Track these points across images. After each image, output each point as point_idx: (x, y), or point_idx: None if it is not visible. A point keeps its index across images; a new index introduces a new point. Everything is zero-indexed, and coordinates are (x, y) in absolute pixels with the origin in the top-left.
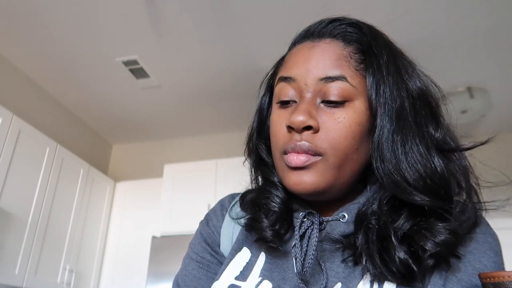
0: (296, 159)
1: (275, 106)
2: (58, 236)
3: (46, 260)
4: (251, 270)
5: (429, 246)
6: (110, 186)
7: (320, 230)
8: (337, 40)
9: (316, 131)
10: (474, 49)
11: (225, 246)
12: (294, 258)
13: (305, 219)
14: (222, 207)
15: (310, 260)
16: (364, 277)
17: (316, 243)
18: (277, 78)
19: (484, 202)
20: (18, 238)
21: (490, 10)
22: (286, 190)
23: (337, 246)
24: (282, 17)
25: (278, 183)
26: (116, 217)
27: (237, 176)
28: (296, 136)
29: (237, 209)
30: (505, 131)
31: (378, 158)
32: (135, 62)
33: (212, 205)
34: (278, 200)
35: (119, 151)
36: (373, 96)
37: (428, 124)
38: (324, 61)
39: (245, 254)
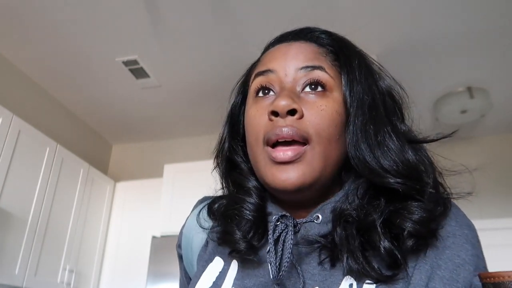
0: (283, 155)
1: (251, 102)
2: (58, 236)
3: (46, 260)
4: (224, 279)
5: (407, 225)
6: (110, 186)
7: (295, 233)
8: (310, 42)
9: (300, 116)
10: (474, 49)
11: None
12: (269, 264)
13: (278, 223)
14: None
15: (286, 264)
16: (342, 281)
17: (291, 246)
18: (252, 76)
19: (451, 193)
20: (18, 238)
21: (490, 10)
22: (260, 195)
23: (313, 247)
24: (282, 18)
25: (252, 189)
26: (116, 217)
27: None
28: (280, 121)
29: (204, 215)
30: (505, 131)
31: (353, 147)
32: (135, 62)
33: None
34: (252, 207)
35: (119, 151)
36: (347, 92)
37: (396, 117)
38: (302, 54)
39: (217, 264)
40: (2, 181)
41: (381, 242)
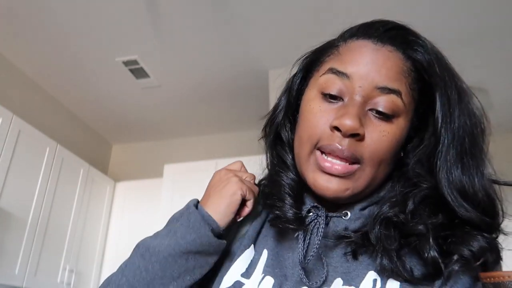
0: (334, 168)
1: (316, 95)
2: (58, 236)
3: (46, 260)
4: (254, 268)
5: (465, 252)
6: (110, 186)
7: (325, 225)
8: (397, 51)
9: (361, 139)
10: (474, 49)
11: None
12: (297, 248)
13: (310, 214)
14: None
15: (313, 253)
16: (367, 275)
17: (320, 238)
18: (325, 66)
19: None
20: (18, 238)
21: (491, 10)
22: (299, 174)
23: (340, 241)
24: (282, 18)
25: (290, 166)
26: (116, 217)
27: None
28: (339, 139)
29: None
30: (505, 131)
31: (447, 182)
32: (135, 62)
33: None
34: (291, 183)
35: (119, 151)
36: (441, 119)
37: (479, 148)
38: (386, 70)
39: (251, 252)
40: (2, 181)
41: (430, 252)
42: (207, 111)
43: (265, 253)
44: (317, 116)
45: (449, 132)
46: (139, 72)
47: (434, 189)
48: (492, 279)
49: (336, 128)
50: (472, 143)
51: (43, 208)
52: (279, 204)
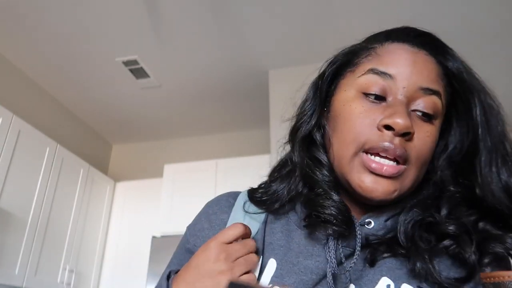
0: (384, 170)
1: (356, 95)
2: (58, 236)
3: (46, 260)
4: (260, 277)
5: (499, 252)
6: (110, 186)
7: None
8: (431, 56)
9: (410, 139)
10: (475, 49)
11: None
12: (327, 256)
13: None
14: (226, 202)
15: (355, 261)
16: (380, 280)
17: (359, 249)
18: (363, 67)
19: None
20: (18, 238)
21: (491, 9)
22: (333, 171)
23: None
24: (281, 17)
25: (326, 165)
26: (116, 217)
27: (237, 176)
28: (389, 137)
29: (252, 207)
30: None
31: (483, 185)
32: (135, 62)
33: None
34: (330, 184)
35: (119, 151)
36: (480, 124)
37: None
38: (428, 72)
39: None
40: (2, 181)
41: (472, 255)
42: (207, 111)
43: (272, 263)
44: (361, 116)
45: (488, 137)
46: (139, 72)
47: (467, 192)
48: (492, 279)
49: (387, 127)
50: (506, 145)
51: (43, 208)
52: (327, 203)
